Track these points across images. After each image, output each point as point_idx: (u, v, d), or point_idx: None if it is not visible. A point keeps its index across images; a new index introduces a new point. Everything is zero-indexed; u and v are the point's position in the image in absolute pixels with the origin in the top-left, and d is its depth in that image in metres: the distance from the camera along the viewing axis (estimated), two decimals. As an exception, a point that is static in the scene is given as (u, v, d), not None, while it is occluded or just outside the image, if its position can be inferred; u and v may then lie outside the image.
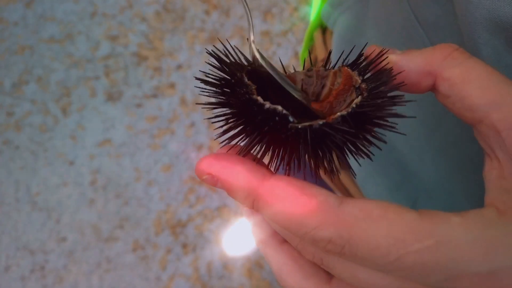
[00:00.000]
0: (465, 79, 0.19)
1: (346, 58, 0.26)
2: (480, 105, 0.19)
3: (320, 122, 0.21)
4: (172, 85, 1.40)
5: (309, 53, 0.46)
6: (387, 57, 0.22)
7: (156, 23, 1.51)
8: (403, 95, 0.22)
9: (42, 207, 1.25)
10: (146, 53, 1.46)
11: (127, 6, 1.53)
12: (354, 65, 0.24)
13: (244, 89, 0.22)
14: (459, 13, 0.27)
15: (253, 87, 0.22)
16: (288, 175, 0.21)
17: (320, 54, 0.48)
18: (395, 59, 0.21)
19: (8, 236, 1.22)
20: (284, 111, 0.21)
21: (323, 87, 0.27)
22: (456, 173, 0.32)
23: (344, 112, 0.21)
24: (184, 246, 1.20)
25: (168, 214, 1.24)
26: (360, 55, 0.23)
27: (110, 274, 1.18)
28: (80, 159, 1.30)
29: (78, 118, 1.36)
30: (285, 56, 1.45)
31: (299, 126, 0.20)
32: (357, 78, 0.23)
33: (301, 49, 0.59)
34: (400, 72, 0.21)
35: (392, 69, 0.21)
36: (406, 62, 0.21)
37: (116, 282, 1.17)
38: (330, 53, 0.27)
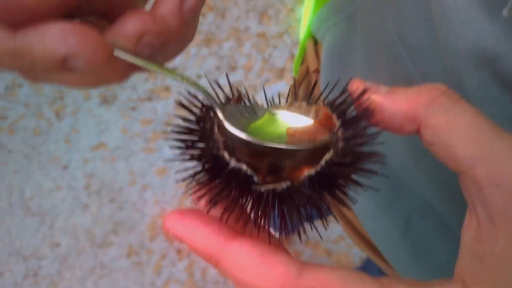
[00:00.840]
0: (450, 129, 0.18)
1: (329, 92, 0.25)
2: (464, 157, 0.18)
3: (284, 185, 0.20)
4: (167, 88, 1.39)
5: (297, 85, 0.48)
6: (369, 96, 0.21)
7: (151, 25, 1.50)
8: (382, 142, 0.21)
9: (35, 212, 1.24)
10: (141, 55, 1.44)
11: (121, 8, 1.52)
12: (335, 103, 0.23)
13: (211, 144, 0.21)
14: (442, 43, 0.26)
15: (221, 141, 0.21)
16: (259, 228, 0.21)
17: (312, 64, 0.47)
18: (379, 100, 0.20)
19: (1, 241, 1.21)
20: (249, 171, 0.20)
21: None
22: (447, 194, 0.31)
23: (312, 172, 0.20)
24: (179, 251, 1.19)
25: (162, 218, 1.23)
26: (343, 90, 0.23)
27: (104, 280, 1.17)
28: (74, 163, 1.29)
29: (72, 121, 1.34)
30: (281, 58, 1.44)
31: (262, 190, 0.20)
32: (336, 122, 0.22)
33: (296, 56, 0.58)
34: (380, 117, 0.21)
35: (373, 113, 0.21)
36: (390, 105, 0.20)
37: (110, 287, 1.16)
38: (314, 86, 0.27)
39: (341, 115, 0.22)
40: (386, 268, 0.45)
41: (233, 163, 0.21)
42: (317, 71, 0.47)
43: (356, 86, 0.21)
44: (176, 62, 1.43)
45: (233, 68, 1.43)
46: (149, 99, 1.38)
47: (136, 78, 1.40)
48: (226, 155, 0.21)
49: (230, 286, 1.16)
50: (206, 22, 1.48)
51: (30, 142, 1.32)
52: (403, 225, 0.36)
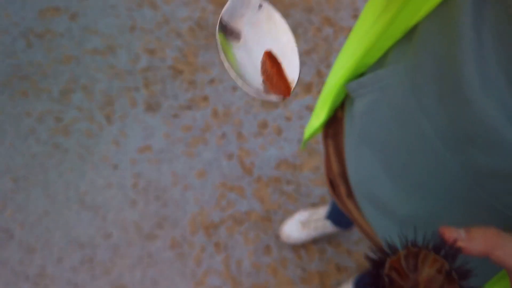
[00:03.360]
0: (506, 256, 0.28)
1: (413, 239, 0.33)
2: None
3: None
4: (205, 98, 1.55)
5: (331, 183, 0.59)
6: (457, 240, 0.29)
7: (190, 39, 1.65)
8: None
9: (89, 206, 1.40)
10: (181, 67, 1.60)
11: (163, 22, 1.67)
12: (437, 249, 0.29)
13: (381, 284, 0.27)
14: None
15: None
16: None
17: (335, 167, 0.57)
18: (463, 245, 0.29)
19: (60, 230, 1.37)
20: None
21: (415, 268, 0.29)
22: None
23: None
24: (217, 245, 1.35)
25: (202, 216, 1.39)
26: (441, 239, 0.29)
27: (151, 268, 1.33)
28: (123, 163, 1.45)
29: (121, 125, 1.50)
30: (309, 74, 1.59)
31: None
32: (454, 274, 0.28)
33: (304, 137, 0.67)
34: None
35: (460, 252, 0.29)
36: (471, 249, 0.29)
37: (157, 275, 1.32)
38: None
39: (450, 260, 0.28)
40: None
41: None
42: (340, 174, 0.57)
43: (448, 235, 0.29)
44: (213, 74, 1.58)
45: (264, 82, 1.58)
46: (189, 107, 1.53)
47: (177, 88, 1.56)
48: None
49: (261, 278, 1.32)
50: (241, 39, 1.63)
51: (84, 143, 1.48)
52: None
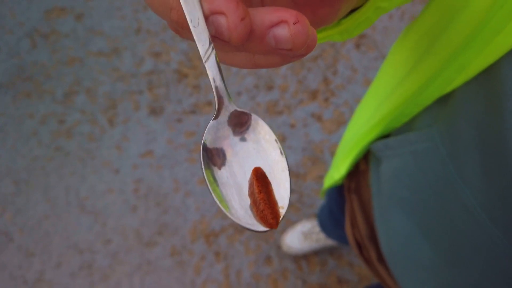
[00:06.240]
0: None
1: None
2: None
3: None
4: (209, 103, 1.53)
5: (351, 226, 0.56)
6: None
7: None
8: None
9: (90, 211, 1.38)
10: (186, 71, 1.58)
11: (169, 24, 1.65)
12: None
13: None
14: None
15: None
16: None
17: (362, 228, 0.55)
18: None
19: (59, 235, 1.36)
20: None
21: None
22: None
23: None
24: (217, 254, 1.33)
25: (203, 224, 1.37)
26: None
27: (150, 276, 1.32)
28: (125, 168, 1.43)
29: (123, 129, 1.49)
30: (315, 80, 1.56)
31: None
32: None
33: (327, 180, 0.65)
34: None
35: None
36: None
37: (155, 283, 1.31)
38: None
39: None
40: None
41: None
42: (369, 237, 0.55)
43: None
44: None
45: (270, 88, 1.55)
46: (193, 112, 1.51)
47: (181, 92, 1.54)
48: None
49: (261, 289, 1.30)
50: (247, 43, 1.60)
51: (85, 147, 1.46)
52: None
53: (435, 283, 0.41)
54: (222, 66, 1.60)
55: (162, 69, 1.58)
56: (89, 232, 1.36)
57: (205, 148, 0.22)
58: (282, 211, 0.22)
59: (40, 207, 1.39)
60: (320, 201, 1.40)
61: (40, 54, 1.60)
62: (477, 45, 0.27)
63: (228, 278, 1.31)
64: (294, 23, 0.18)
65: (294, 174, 1.43)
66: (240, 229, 1.36)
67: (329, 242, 1.27)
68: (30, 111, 1.52)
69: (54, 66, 1.58)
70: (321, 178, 1.43)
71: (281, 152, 0.23)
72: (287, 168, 0.23)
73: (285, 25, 0.18)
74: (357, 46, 1.62)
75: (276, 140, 0.23)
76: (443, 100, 0.35)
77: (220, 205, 0.21)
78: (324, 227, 1.06)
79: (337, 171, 0.58)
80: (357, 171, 0.56)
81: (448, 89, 0.32)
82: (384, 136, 0.47)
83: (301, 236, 1.29)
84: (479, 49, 0.27)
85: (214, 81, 0.21)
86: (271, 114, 1.51)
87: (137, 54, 1.60)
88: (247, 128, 0.23)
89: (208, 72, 0.20)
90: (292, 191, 1.48)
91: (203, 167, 0.22)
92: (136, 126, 1.49)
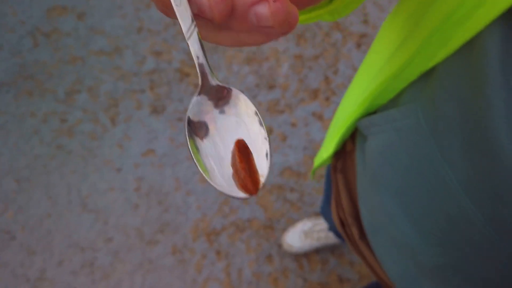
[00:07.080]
0: None
1: None
2: None
3: None
4: (210, 102, 1.53)
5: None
6: None
7: (197, 41, 1.63)
8: None
9: (91, 209, 1.39)
10: (187, 70, 1.58)
11: (171, 23, 1.65)
12: None
13: None
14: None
15: None
16: None
17: (346, 206, 0.55)
18: None
19: (61, 234, 1.36)
20: None
21: None
22: None
23: None
24: (218, 252, 1.34)
25: (204, 222, 1.37)
26: None
27: (151, 274, 1.32)
28: (126, 167, 1.44)
29: (125, 128, 1.49)
30: (316, 80, 1.57)
31: None
32: None
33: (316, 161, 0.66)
34: None
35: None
36: None
37: (156, 281, 1.31)
38: None
39: None
40: None
41: None
42: (352, 215, 0.55)
43: None
44: (220, 78, 1.56)
45: (271, 87, 1.56)
46: (194, 111, 1.51)
47: (183, 91, 1.54)
48: None
49: (261, 287, 1.30)
50: (248, 42, 1.60)
51: (87, 145, 1.47)
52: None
53: (414, 261, 0.42)
54: (222, 66, 1.60)
55: (164, 68, 1.58)
56: (90, 230, 1.37)
57: (190, 122, 0.23)
58: (262, 179, 0.24)
59: (42, 205, 1.40)
60: (320, 199, 1.41)
61: (42, 53, 1.60)
62: (459, 19, 0.27)
63: (229, 277, 1.31)
64: (274, 1, 0.19)
65: (294, 173, 1.44)
66: (241, 227, 1.37)
67: (330, 240, 1.28)
68: (32, 110, 1.52)
69: (56, 64, 1.59)
70: (322, 177, 1.43)
71: (260, 124, 0.25)
72: (267, 139, 0.24)
73: (265, 3, 0.19)
74: (358, 45, 1.62)
75: (256, 113, 0.25)
76: (427, 75, 0.35)
77: (203, 173, 0.23)
78: (324, 214, 1.07)
79: (325, 151, 0.59)
80: (344, 151, 0.57)
81: (431, 63, 0.32)
82: (371, 114, 0.47)
83: (302, 235, 1.29)
84: (461, 23, 0.27)
85: (198, 58, 0.22)
86: (272, 113, 1.52)
87: (139, 53, 1.61)
88: (228, 102, 0.24)
89: (191, 49, 0.21)
90: (271, 161, 1.49)
91: (187, 138, 0.23)
92: (137, 124, 1.50)
